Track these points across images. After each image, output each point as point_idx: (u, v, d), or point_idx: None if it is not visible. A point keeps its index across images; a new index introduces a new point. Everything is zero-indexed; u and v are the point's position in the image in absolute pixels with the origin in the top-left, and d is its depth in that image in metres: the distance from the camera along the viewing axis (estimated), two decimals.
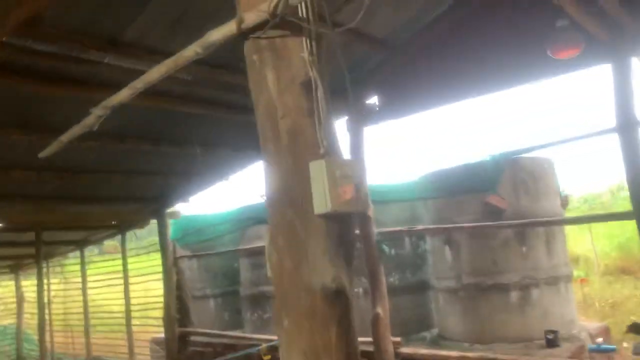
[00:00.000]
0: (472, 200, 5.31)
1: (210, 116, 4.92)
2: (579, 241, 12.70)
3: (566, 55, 3.08)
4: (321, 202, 1.77)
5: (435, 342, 5.75)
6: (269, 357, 6.03)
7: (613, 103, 3.61)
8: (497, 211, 5.20)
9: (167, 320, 7.24)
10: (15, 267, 10.85)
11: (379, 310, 4.87)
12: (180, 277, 7.52)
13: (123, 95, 2.61)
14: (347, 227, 1.92)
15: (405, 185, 6.05)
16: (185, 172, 6.65)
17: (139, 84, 2.49)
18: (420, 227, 5.40)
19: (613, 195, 19.59)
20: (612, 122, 3.66)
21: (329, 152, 1.84)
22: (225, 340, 7.38)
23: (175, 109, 4.62)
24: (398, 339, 5.03)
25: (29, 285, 11.12)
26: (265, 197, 1.97)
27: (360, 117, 4.94)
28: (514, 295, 5.11)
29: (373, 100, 5.01)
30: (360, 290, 6.00)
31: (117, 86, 3.90)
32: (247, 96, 2.02)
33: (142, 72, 3.78)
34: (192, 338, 7.45)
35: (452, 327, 5.58)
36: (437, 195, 5.59)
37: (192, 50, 2.18)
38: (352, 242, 2.01)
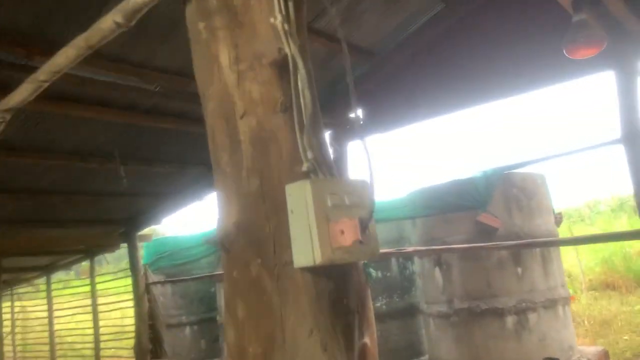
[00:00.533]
0: (463, 219, 5.01)
1: (182, 131, 4.57)
2: (563, 257, 12.53)
3: (585, 55, 2.80)
4: (305, 249, 1.12)
5: None
6: None
7: (617, 112, 3.35)
8: (490, 230, 4.90)
9: (139, 351, 6.75)
10: None
11: (367, 340, 4.49)
12: (153, 304, 7.04)
13: (24, 92, 1.99)
14: (346, 287, 1.26)
15: (392, 203, 5.72)
16: (157, 193, 6.26)
17: (42, 75, 1.87)
18: (410, 248, 5.07)
19: (591, 210, 19.69)
20: (617, 132, 3.40)
21: (317, 168, 1.17)
22: None
23: (143, 124, 4.26)
24: None
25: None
26: (215, 241, 1.25)
27: (344, 131, 4.63)
28: (510, 320, 4.79)
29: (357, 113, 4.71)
30: None
31: (76, 100, 3.55)
32: None
33: (103, 83, 3.44)
34: None
35: (444, 355, 5.22)
36: (426, 213, 5.27)
37: (109, 20, 1.52)
38: (353, 309, 1.32)
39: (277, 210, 1.20)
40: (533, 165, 5.14)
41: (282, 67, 1.22)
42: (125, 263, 9.11)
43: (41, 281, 9.78)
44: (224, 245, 1.24)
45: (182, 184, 6.07)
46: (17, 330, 10.22)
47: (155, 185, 5.95)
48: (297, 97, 1.20)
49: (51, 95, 3.24)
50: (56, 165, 4.68)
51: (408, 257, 5.77)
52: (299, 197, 1.14)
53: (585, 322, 9.47)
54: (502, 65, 3.83)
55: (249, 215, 1.20)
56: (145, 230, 7.72)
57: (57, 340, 9.10)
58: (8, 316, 9.90)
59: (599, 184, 28.64)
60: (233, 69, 1.25)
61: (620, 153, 3.44)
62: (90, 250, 7.81)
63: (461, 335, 5.00)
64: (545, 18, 3.50)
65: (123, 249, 7.89)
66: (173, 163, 5.31)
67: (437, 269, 5.17)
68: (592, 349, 5.46)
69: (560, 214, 5.40)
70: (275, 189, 1.19)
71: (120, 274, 8.35)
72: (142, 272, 7.03)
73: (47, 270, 8.87)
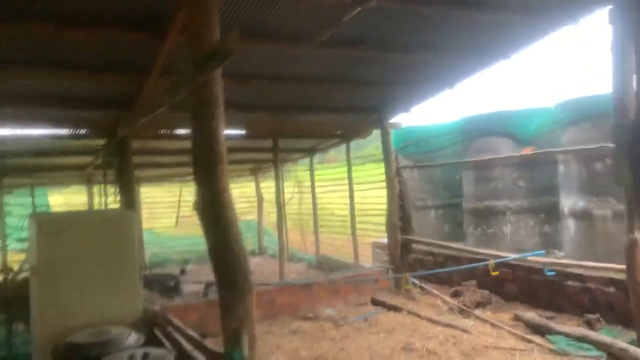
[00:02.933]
0: None
1: (440, 17, 4.52)
2: None
3: None
4: None
5: None
6: (497, 273, 5.81)
7: None
8: None
9: (390, 227, 7.44)
10: (255, 169, 12.26)
11: (637, 235, 4.18)
12: (403, 186, 7.57)
13: None
14: None
15: None
16: (409, 81, 6.46)
17: None
18: None
19: None
20: None
21: None
22: (447, 251, 7.36)
23: (400, 9, 4.31)
24: None
25: (266, 186, 12.52)
26: None
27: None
28: None
29: None
30: (609, 212, 5.28)
31: None
32: None
33: None
34: (414, 246, 7.57)
35: None
36: None
37: None
38: None
39: None
40: None
41: None
42: (362, 152, 9.87)
43: (303, 162, 11.21)
44: None
45: (435, 72, 6.13)
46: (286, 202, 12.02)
47: (410, 74, 6.13)
48: None
49: None
50: (317, 54, 5.11)
51: None
52: None
53: None
54: None
55: None
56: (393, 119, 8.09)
57: (319, 212, 10.56)
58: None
59: None
60: None
61: None
62: (346, 135, 8.57)
63: None
64: None
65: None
66: (429, 50, 5.33)
67: None
68: None
69: None
70: None
71: (369, 159, 9.03)
72: (393, 157, 7.53)
73: (309, 152, 10.14)
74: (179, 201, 12.30)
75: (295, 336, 5.69)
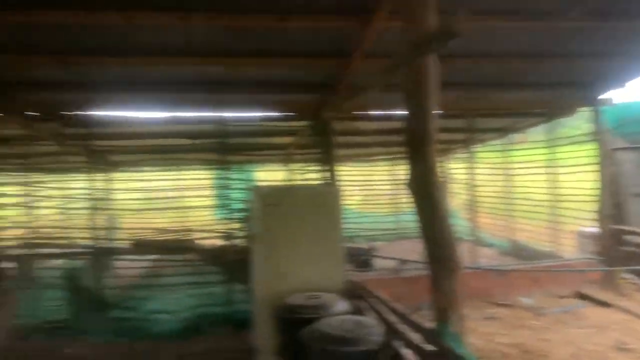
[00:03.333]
0: None
1: None
2: None
3: None
4: None
5: None
6: None
7: None
8: None
9: (601, 215, 6.75)
10: (444, 150, 12.03)
11: None
12: (616, 170, 6.79)
13: None
14: None
15: None
16: (626, 53, 5.71)
17: None
18: None
19: None
20: None
21: None
22: None
23: None
24: None
25: (453, 168, 12.25)
26: None
27: None
28: None
29: None
30: None
31: None
32: None
33: None
34: (629, 237, 6.78)
35: None
36: None
37: None
38: None
39: None
40: None
41: None
42: (560, 132, 8.94)
43: (492, 143, 10.66)
44: None
45: None
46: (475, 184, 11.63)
47: (629, 44, 5.44)
48: None
49: None
50: (518, 28, 4.78)
51: None
52: None
53: None
54: None
55: None
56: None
57: (514, 196, 10.02)
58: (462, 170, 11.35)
59: None
60: None
61: None
62: (548, 113, 7.93)
63: None
64: None
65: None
66: None
67: None
68: None
69: None
70: None
71: (579, 138, 8.18)
72: (606, 137, 6.79)
73: (503, 132, 9.61)
74: (369, 181, 12.67)
75: (491, 322, 5.56)
